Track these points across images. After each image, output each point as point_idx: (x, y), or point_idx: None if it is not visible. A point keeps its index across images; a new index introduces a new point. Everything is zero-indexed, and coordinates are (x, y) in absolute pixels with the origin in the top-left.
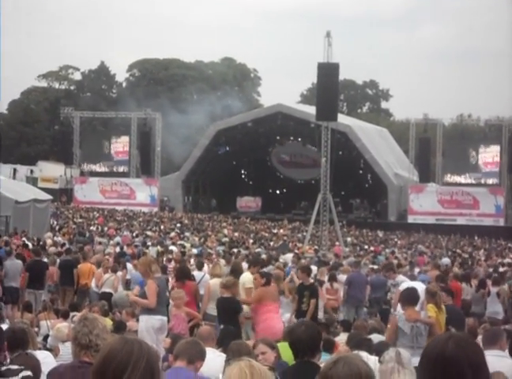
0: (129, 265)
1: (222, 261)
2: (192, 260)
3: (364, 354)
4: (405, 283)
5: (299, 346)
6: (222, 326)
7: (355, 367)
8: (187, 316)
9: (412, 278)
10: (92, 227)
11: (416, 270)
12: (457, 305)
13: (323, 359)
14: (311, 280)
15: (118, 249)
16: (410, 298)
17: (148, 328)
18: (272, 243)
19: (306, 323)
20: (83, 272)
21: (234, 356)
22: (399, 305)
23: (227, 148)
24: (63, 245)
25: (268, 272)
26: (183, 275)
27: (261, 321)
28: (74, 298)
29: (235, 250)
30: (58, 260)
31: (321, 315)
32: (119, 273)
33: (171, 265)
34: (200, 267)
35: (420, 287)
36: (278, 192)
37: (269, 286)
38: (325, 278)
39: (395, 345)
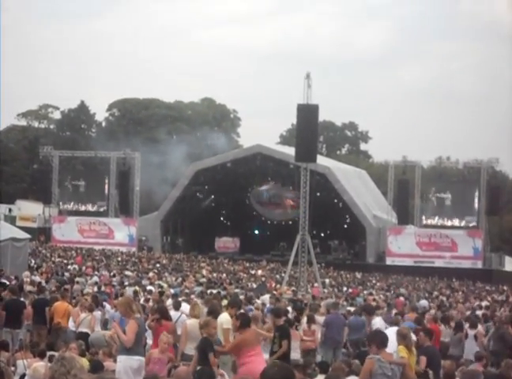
0: (106, 305)
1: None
2: (169, 301)
3: None
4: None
5: None
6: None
7: None
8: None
9: (390, 320)
10: (69, 266)
11: (394, 312)
12: (434, 347)
13: None
14: (281, 322)
15: (96, 289)
16: (383, 340)
17: (126, 369)
18: (250, 284)
19: (279, 364)
20: (58, 310)
21: None
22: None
23: (206, 187)
24: (39, 284)
25: (246, 313)
26: (161, 315)
27: (242, 365)
28: (48, 337)
29: (214, 291)
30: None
31: (297, 356)
32: (96, 313)
33: (149, 305)
34: (177, 307)
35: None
36: (256, 232)
37: (246, 329)
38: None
39: None
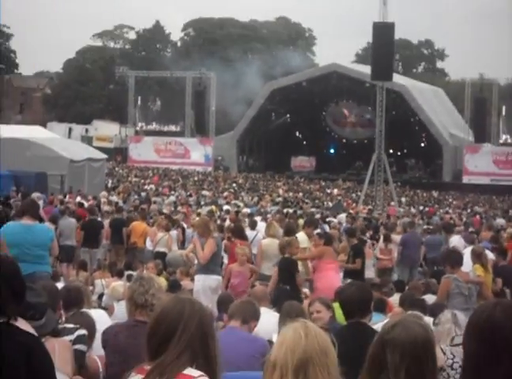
0: (184, 224)
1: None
2: (246, 220)
3: (418, 315)
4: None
5: (349, 306)
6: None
7: (412, 333)
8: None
9: (467, 239)
10: (146, 187)
11: (470, 230)
12: (510, 266)
13: (376, 320)
14: (355, 241)
15: (172, 208)
16: (458, 259)
17: (205, 288)
18: (326, 203)
19: (357, 283)
20: (136, 230)
21: (285, 316)
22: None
23: (282, 107)
24: (117, 204)
25: (329, 233)
26: (237, 234)
27: (320, 278)
28: (125, 256)
29: (290, 210)
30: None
31: (371, 274)
32: (173, 232)
33: (225, 224)
34: (253, 226)
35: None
36: (332, 152)
37: (329, 246)
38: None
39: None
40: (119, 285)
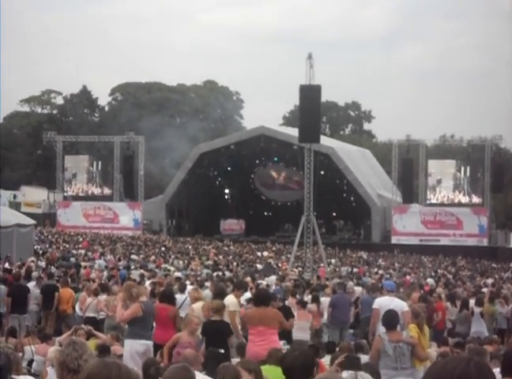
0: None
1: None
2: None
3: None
4: (380, 300)
5: (292, 372)
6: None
7: None
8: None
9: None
10: (74, 251)
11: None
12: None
13: None
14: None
15: (105, 274)
16: (392, 321)
17: (133, 353)
18: (256, 265)
19: (300, 349)
20: (62, 297)
21: None
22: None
23: (210, 170)
24: (46, 269)
25: (263, 291)
26: (164, 298)
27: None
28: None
29: (220, 273)
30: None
31: (306, 337)
32: (101, 297)
33: (154, 288)
34: (182, 290)
35: (400, 305)
36: (262, 214)
37: (260, 306)
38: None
39: (377, 366)
40: (55, 350)
